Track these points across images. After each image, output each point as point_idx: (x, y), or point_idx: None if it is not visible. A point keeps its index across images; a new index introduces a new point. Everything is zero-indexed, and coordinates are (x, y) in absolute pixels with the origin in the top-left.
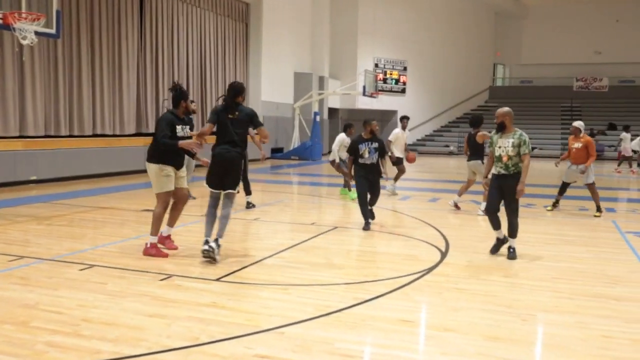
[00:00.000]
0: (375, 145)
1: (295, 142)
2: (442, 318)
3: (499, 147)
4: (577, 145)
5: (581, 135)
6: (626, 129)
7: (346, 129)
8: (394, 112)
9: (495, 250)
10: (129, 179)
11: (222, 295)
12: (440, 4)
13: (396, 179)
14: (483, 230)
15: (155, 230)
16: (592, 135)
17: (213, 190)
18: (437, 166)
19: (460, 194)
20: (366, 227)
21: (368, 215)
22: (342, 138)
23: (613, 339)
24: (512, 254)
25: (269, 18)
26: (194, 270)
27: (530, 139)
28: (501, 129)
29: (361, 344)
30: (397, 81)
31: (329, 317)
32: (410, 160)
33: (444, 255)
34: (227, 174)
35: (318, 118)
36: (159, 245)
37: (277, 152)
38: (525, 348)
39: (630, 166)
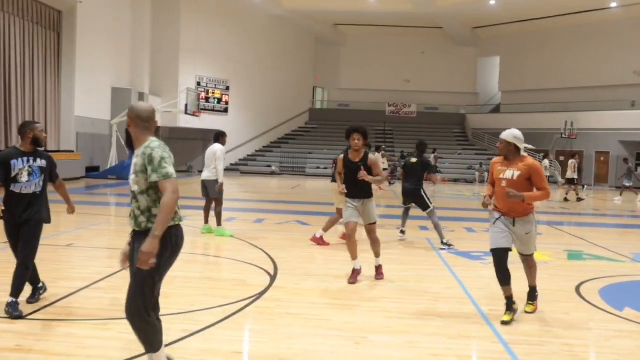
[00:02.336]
0: (42, 163)
1: (112, 160)
2: (276, 347)
3: None
4: (512, 173)
5: (521, 155)
6: (378, 149)
7: (219, 137)
8: None
9: None
10: None
11: (29, 335)
12: (263, 26)
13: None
14: (309, 251)
15: (327, 228)
16: (402, 157)
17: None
18: (260, 186)
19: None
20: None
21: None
22: (218, 149)
23: (441, 356)
24: None
25: (84, 28)
26: None
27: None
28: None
29: None
30: (219, 100)
31: None
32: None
33: (273, 278)
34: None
35: None
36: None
37: (92, 171)
38: None
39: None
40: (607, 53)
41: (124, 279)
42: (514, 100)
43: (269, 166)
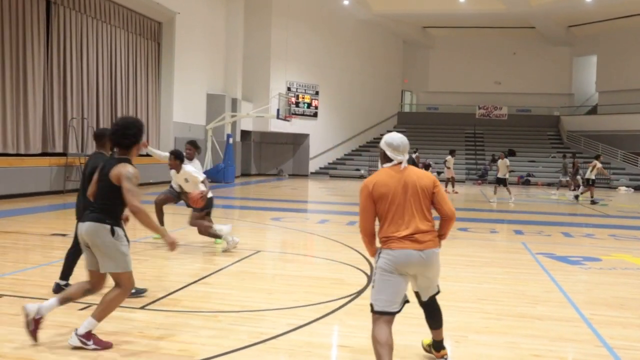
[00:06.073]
0: None
1: (207, 164)
2: None
3: None
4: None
5: None
6: (451, 153)
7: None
8: (306, 136)
9: None
10: (34, 201)
11: (150, 324)
12: (351, 30)
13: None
14: None
15: None
16: (493, 160)
17: None
18: (349, 190)
19: None
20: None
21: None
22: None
23: (543, 358)
24: None
25: (181, 38)
26: None
27: (436, 164)
28: None
29: None
30: (309, 105)
31: (264, 345)
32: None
33: (370, 278)
34: None
35: (231, 140)
36: None
37: None
38: None
39: (453, 187)
40: None
41: (229, 276)
42: (613, 100)
43: (358, 170)
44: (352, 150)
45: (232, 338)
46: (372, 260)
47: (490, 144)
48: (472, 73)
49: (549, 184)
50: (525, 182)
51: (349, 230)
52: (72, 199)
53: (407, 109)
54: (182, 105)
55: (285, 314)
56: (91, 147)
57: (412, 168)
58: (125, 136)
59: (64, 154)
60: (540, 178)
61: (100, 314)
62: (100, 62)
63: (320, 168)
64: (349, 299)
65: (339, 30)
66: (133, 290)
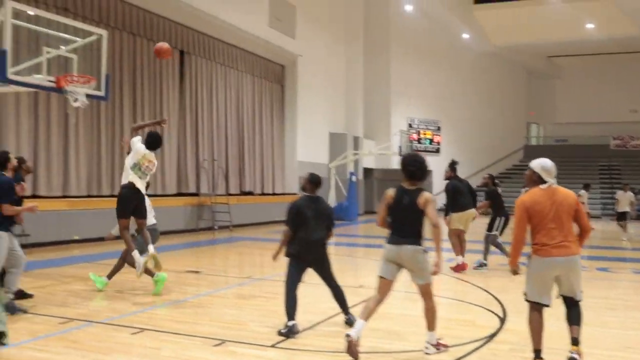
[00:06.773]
0: None
1: (331, 202)
2: None
3: None
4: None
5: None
6: (586, 187)
7: None
8: (428, 172)
9: None
10: (171, 239)
11: None
12: (472, 63)
13: None
14: None
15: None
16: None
17: None
18: (474, 227)
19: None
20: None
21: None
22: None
23: None
24: None
25: (303, 79)
26: (246, 335)
27: None
28: None
29: None
30: (431, 141)
31: None
32: None
33: (502, 320)
34: None
35: (354, 178)
36: None
37: None
38: None
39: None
40: None
41: (357, 315)
42: None
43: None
44: (477, 186)
45: None
46: (512, 267)
47: (628, 176)
48: (603, 102)
49: None
50: None
51: (477, 270)
52: (205, 237)
53: (533, 142)
54: (305, 145)
55: (416, 357)
56: (221, 187)
57: (559, 188)
58: (425, 171)
59: (196, 194)
60: None
61: (432, 324)
62: (229, 105)
63: (444, 204)
64: (481, 342)
65: (458, 63)
66: (284, 330)
